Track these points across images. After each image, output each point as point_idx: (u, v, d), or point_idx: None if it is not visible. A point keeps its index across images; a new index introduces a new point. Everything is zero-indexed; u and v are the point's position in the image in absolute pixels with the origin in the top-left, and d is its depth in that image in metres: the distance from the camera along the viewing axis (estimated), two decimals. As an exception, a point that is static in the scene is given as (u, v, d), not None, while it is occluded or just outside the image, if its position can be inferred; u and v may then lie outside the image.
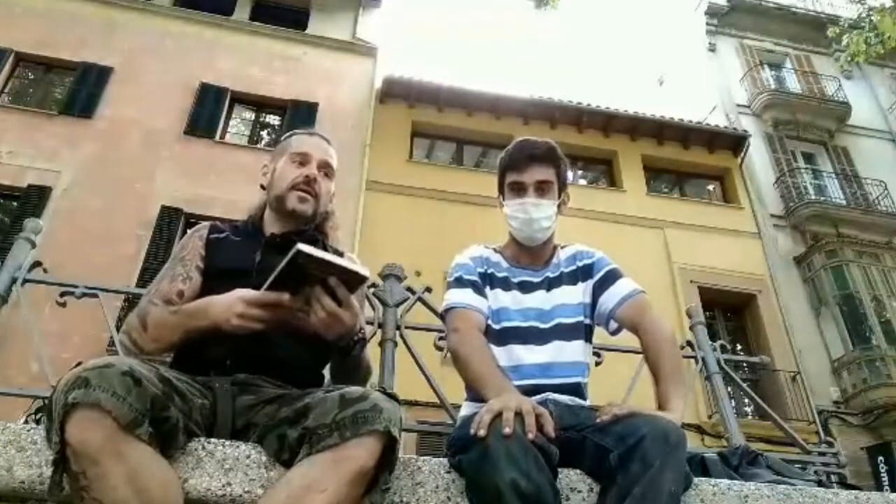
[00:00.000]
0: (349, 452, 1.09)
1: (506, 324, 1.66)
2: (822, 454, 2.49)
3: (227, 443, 1.24)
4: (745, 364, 5.32)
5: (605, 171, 13.86)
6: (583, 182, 13.66)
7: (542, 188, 1.73)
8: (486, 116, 13.23)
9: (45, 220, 8.16)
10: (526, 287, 1.72)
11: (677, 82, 16.99)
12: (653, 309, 1.70)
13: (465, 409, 1.64)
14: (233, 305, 1.32)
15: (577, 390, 1.61)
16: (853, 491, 1.50)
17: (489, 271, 1.74)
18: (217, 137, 11.49)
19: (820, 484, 1.93)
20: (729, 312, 12.28)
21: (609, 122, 13.60)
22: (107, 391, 1.03)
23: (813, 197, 13.43)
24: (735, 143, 13.86)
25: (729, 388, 3.66)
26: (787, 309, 11.77)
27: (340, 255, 1.68)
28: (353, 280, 1.34)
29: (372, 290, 2.23)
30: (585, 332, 1.71)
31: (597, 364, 2.12)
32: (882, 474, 10.01)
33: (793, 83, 15.63)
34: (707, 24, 16.03)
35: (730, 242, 12.40)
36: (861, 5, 9.97)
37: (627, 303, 1.69)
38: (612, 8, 39.61)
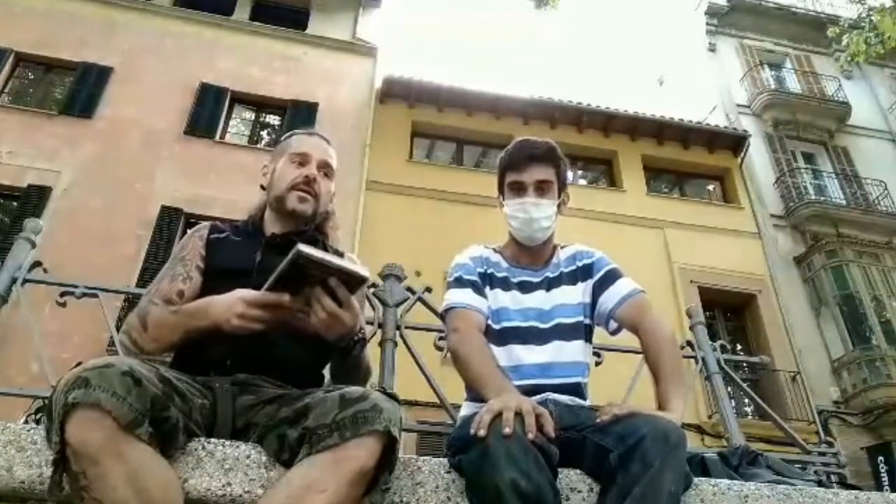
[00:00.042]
0: (349, 452, 1.09)
1: (505, 324, 1.66)
2: (822, 454, 2.49)
3: (227, 443, 1.24)
4: (745, 364, 5.32)
5: (605, 171, 13.86)
6: (583, 182, 13.66)
7: (541, 188, 1.73)
8: (486, 116, 13.23)
9: (45, 220, 8.16)
10: (525, 287, 1.72)
11: (677, 82, 16.99)
12: (653, 309, 1.70)
13: (465, 409, 1.64)
14: (233, 306, 1.32)
15: (577, 390, 1.61)
16: (853, 491, 1.50)
17: (489, 271, 1.74)
18: (217, 137, 11.49)
19: (820, 484, 1.93)
20: (729, 312, 12.28)
21: (609, 122, 13.60)
22: (107, 391, 1.03)
23: (813, 197, 13.44)
24: (735, 143, 13.86)
25: (729, 388, 3.66)
26: (787, 309, 11.77)
27: (341, 255, 1.68)
28: (353, 281, 1.34)
29: (372, 290, 2.23)
30: (585, 332, 1.71)
31: (597, 364, 2.12)
32: (882, 474, 10.01)
33: (793, 83, 15.63)
34: (707, 24, 16.03)
35: (730, 242, 12.40)
36: (861, 5, 9.97)
37: (627, 302, 1.69)
38: (612, 8, 39.63)
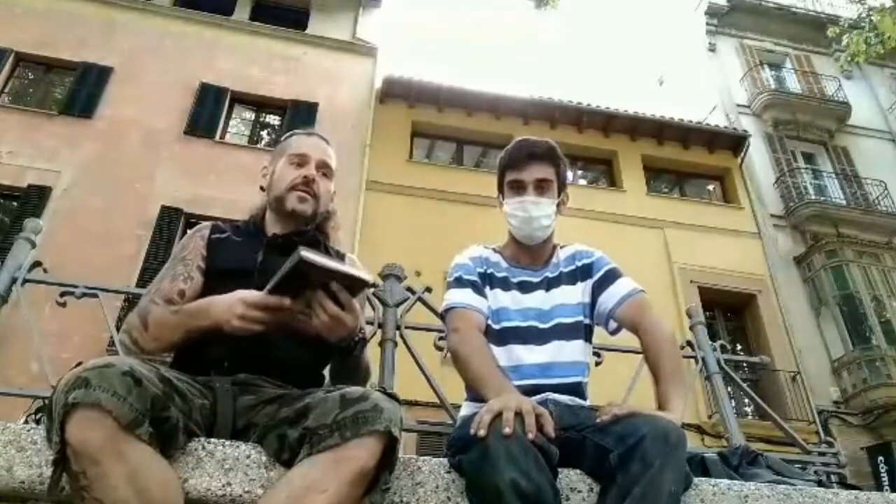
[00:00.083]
0: (350, 453, 1.09)
1: (505, 324, 1.66)
2: (822, 454, 2.49)
3: (227, 443, 1.24)
4: (745, 364, 5.32)
5: (605, 171, 13.86)
6: (583, 182, 13.66)
7: (541, 186, 1.73)
8: (486, 116, 13.23)
9: (45, 220, 8.16)
10: (525, 287, 1.72)
11: (677, 82, 17.00)
12: (652, 308, 1.70)
13: (465, 409, 1.64)
14: (233, 306, 1.32)
15: (576, 390, 1.61)
16: (853, 491, 1.50)
17: (489, 271, 1.74)
18: (217, 137, 11.49)
19: (820, 484, 1.93)
20: (729, 312, 12.28)
21: (609, 122, 13.60)
22: (107, 391, 1.03)
23: (813, 197, 13.44)
24: (735, 143, 13.86)
25: (729, 388, 3.66)
26: (787, 309, 11.77)
27: (342, 256, 1.69)
28: (355, 284, 1.34)
29: (372, 290, 2.23)
30: (585, 332, 1.70)
31: (597, 364, 2.12)
32: (882, 474, 10.01)
33: (793, 83, 15.63)
34: (707, 24, 16.03)
35: (730, 242, 12.40)
36: (861, 5, 9.97)
37: (627, 302, 1.69)
38: (612, 8, 39.63)
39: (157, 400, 1.10)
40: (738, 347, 11.58)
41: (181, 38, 12.37)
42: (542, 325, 1.65)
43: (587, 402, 1.61)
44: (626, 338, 1.81)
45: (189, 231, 1.69)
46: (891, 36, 8.87)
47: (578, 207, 10.84)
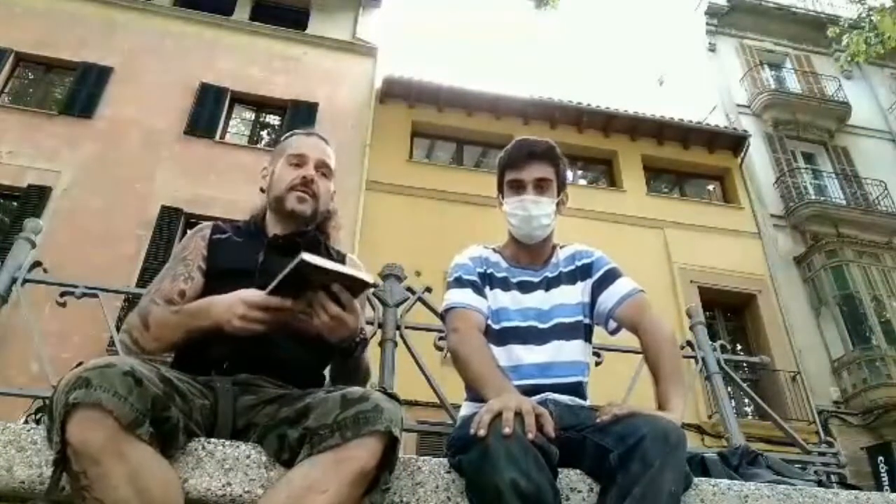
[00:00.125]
0: (350, 453, 1.09)
1: (505, 324, 1.66)
2: (822, 454, 2.49)
3: (227, 443, 1.24)
4: (745, 364, 5.32)
5: (605, 171, 13.86)
6: (583, 182, 13.66)
7: (541, 186, 1.73)
8: (486, 116, 13.23)
9: (45, 220, 8.16)
10: (525, 287, 1.72)
11: (677, 82, 17.00)
12: (652, 308, 1.70)
13: (465, 409, 1.64)
14: (234, 306, 1.32)
15: (576, 390, 1.61)
16: (853, 491, 1.50)
17: (488, 271, 1.74)
18: (217, 137, 11.49)
19: (820, 484, 1.93)
20: (729, 312, 12.28)
21: (609, 122, 13.60)
22: (108, 391, 1.03)
23: (813, 197, 13.44)
24: (735, 143, 13.86)
25: (729, 388, 3.66)
26: (787, 309, 11.77)
27: (342, 256, 1.69)
28: (356, 285, 1.34)
29: (372, 290, 2.23)
30: (585, 332, 1.71)
31: (597, 364, 2.12)
32: (882, 474, 10.01)
33: (793, 83, 15.63)
34: (707, 24, 16.03)
35: (730, 242, 12.40)
36: (861, 5, 9.97)
37: (627, 302, 1.69)
38: (612, 8, 39.63)
39: (157, 400, 1.10)
40: (738, 347, 11.58)
41: (181, 38, 12.37)
42: (541, 325, 1.66)
43: (587, 402, 1.61)
44: (626, 338, 1.81)
45: (190, 231, 1.69)
46: (891, 36, 8.87)
47: (578, 207, 10.84)
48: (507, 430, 1.14)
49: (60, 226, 9.34)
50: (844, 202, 13.57)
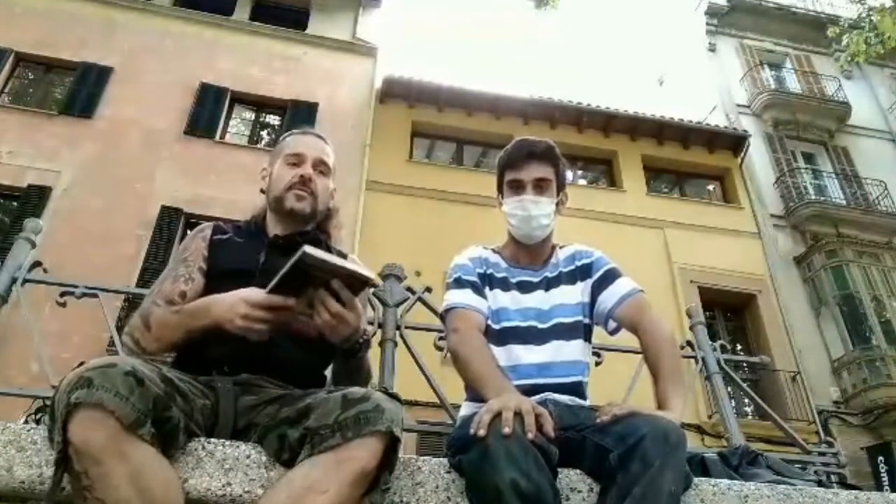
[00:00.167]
0: (351, 453, 1.09)
1: (505, 324, 1.66)
2: (822, 454, 2.49)
3: (227, 443, 1.24)
4: (745, 364, 5.32)
5: (605, 171, 13.87)
6: (583, 182, 13.66)
7: (540, 186, 1.73)
8: (486, 116, 13.23)
9: (45, 220, 8.17)
10: (525, 287, 1.72)
11: (677, 82, 17.00)
12: (652, 308, 1.70)
13: (465, 409, 1.64)
14: (236, 306, 1.32)
15: (576, 390, 1.61)
16: (853, 491, 1.50)
17: (488, 272, 1.74)
18: (217, 137, 11.49)
19: (820, 484, 1.93)
20: (729, 312, 12.28)
21: (609, 122, 13.60)
22: (110, 391, 1.03)
23: (813, 197, 13.44)
24: (735, 143, 13.86)
25: (729, 388, 3.66)
26: (787, 309, 11.77)
27: (344, 256, 1.69)
28: (357, 282, 1.34)
29: (372, 290, 2.23)
30: (584, 332, 1.71)
31: (597, 364, 2.12)
32: (882, 474, 10.01)
33: (793, 83, 15.63)
34: (707, 24, 16.03)
35: (730, 242, 12.40)
36: (861, 5, 9.97)
37: (626, 302, 1.69)
38: (612, 8, 39.63)
39: (159, 400, 1.11)
40: (738, 347, 11.58)
41: (181, 38, 12.37)
42: (541, 325, 1.66)
43: (587, 402, 1.61)
44: (626, 338, 1.81)
45: (190, 232, 1.69)
46: (891, 36, 8.87)
47: (578, 207, 10.84)
48: (506, 430, 1.14)
49: (60, 226, 9.34)
50: (844, 202, 13.57)
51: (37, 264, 2.29)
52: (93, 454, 1.01)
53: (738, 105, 14.78)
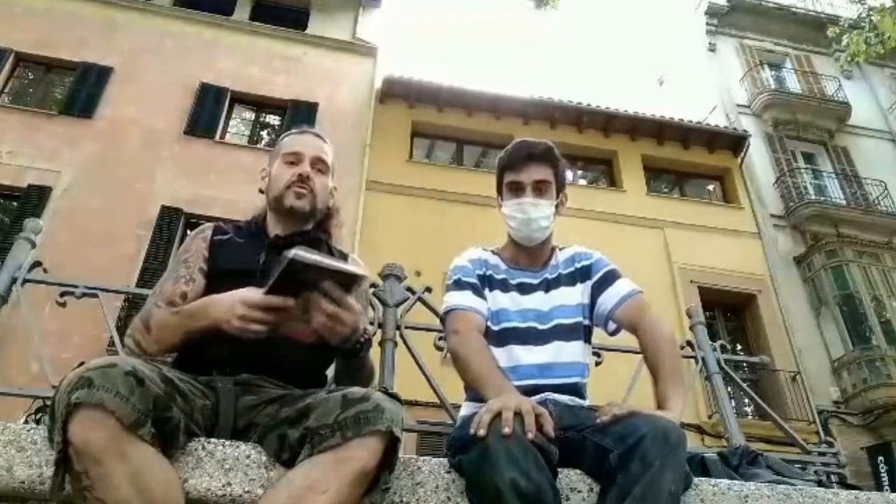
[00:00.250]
0: (351, 453, 1.09)
1: (505, 325, 1.66)
2: (822, 454, 2.49)
3: (227, 443, 1.24)
4: (745, 364, 5.32)
5: (605, 171, 13.87)
6: (583, 182, 13.66)
7: (539, 188, 1.73)
8: (486, 116, 13.23)
9: (45, 220, 8.16)
10: (524, 288, 1.72)
11: (677, 82, 17.00)
12: (651, 309, 1.70)
13: (465, 409, 1.65)
14: (234, 307, 1.32)
15: (576, 390, 1.61)
16: (853, 491, 1.50)
17: (488, 273, 1.74)
18: (217, 137, 11.49)
19: (820, 484, 1.93)
20: (729, 312, 12.28)
21: (609, 122, 13.60)
22: (110, 391, 1.03)
23: (813, 197, 13.44)
24: (735, 143, 13.86)
25: (729, 388, 3.66)
26: (787, 309, 11.77)
27: (344, 256, 1.69)
28: (349, 280, 1.34)
29: (372, 290, 2.23)
30: (584, 333, 1.71)
31: (597, 364, 2.12)
32: (882, 474, 10.01)
33: (793, 83, 15.63)
34: (707, 24, 16.03)
35: (730, 242, 12.40)
36: (861, 5, 9.97)
37: (626, 303, 1.69)
38: (612, 8, 39.63)
39: (159, 400, 1.11)
40: (738, 347, 11.58)
41: (181, 38, 12.37)
42: (541, 326, 1.66)
43: (587, 402, 1.61)
44: (626, 338, 1.81)
45: (191, 232, 1.69)
46: (891, 36, 8.87)
47: (578, 207, 10.84)
48: (506, 430, 1.14)
49: (60, 226, 9.34)
50: (844, 202, 13.57)
51: (37, 264, 2.29)
52: (93, 454, 1.01)
53: (738, 105, 14.78)
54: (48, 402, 1.12)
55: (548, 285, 1.73)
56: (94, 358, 1.13)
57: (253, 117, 12.52)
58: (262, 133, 12.52)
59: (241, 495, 1.18)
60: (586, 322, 1.72)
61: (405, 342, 2.24)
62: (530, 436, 1.16)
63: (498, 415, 1.18)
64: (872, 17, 9.37)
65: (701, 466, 1.61)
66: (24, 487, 1.16)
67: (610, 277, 1.74)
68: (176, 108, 11.43)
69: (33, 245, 2.33)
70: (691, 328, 2.75)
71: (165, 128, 11.18)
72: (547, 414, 1.23)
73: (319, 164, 1.70)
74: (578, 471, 1.32)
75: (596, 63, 47.74)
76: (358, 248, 9.74)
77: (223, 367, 1.37)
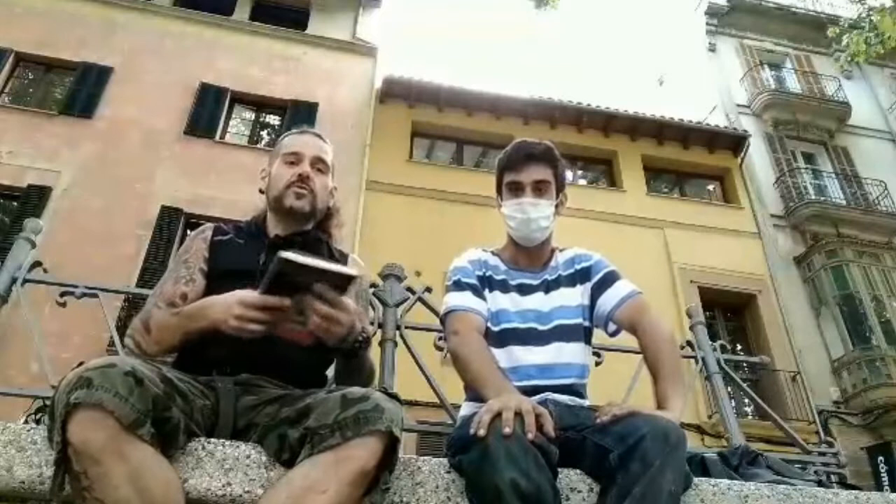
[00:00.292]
0: (351, 452, 1.09)
1: (505, 325, 1.66)
2: (822, 454, 2.49)
3: (227, 443, 1.24)
4: (745, 364, 5.31)
5: (605, 171, 13.86)
6: (583, 182, 13.66)
7: (539, 188, 1.73)
8: (486, 116, 13.23)
9: (45, 220, 8.16)
10: (524, 289, 1.72)
11: (677, 82, 16.99)
12: (651, 309, 1.70)
13: (465, 409, 1.65)
14: (231, 307, 1.32)
15: (576, 391, 1.61)
16: (853, 491, 1.50)
17: (487, 274, 1.74)
18: (217, 137, 11.49)
19: (820, 484, 1.93)
20: (729, 312, 12.28)
21: (609, 122, 13.60)
22: (109, 391, 1.03)
23: (813, 197, 13.43)
24: (735, 143, 13.86)
25: (729, 388, 3.66)
26: (787, 309, 11.77)
27: (345, 257, 1.69)
28: (342, 280, 1.34)
29: (372, 290, 2.23)
30: (585, 335, 1.71)
31: (597, 364, 2.12)
32: (882, 474, 10.01)
33: (793, 83, 15.63)
34: (707, 24, 16.03)
35: (730, 242, 12.40)
36: (861, 5, 9.96)
37: (626, 304, 1.69)
38: (612, 8, 39.63)
39: (158, 400, 1.11)
40: (738, 347, 11.58)
41: (181, 38, 12.37)
42: (541, 327, 1.66)
43: (587, 403, 1.61)
44: (626, 338, 1.81)
45: (191, 233, 1.69)
46: (891, 36, 8.86)
47: (578, 207, 10.83)
48: (507, 430, 1.14)
49: (60, 226, 9.34)
50: (844, 202, 13.57)
51: (37, 264, 2.29)
52: (92, 454, 1.01)
53: (738, 105, 14.78)
54: (48, 402, 1.12)
55: (547, 286, 1.73)
56: (94, 358, 1.13)
57: (253, 117, 12.52)
58: (262, 133, 12.52)
59: (241, 495, 1.18)
60: (586, 323, 1.72)
61: (405, 342, 2.24)
62: (530, 436, 1.16)
63: (498, 415, 1.18)
64: (872, 17, 9.36)
65: (701, 466, 1.61)
66: (24, 487, 1.16)
67: (610, 279, 1.74)
68: (176, 108, 11.43)
69: (33, 245, 2.33)
70: (691, 328, 2.74)
71: (165, 128, 11.18)
72: (547, 414, 1.23)
73: (319, 164, 1.70)
74: (578, 471, 1.32)
75: (596, 63, 47.75)
76: (358, 248, 9.74)
77: (223, 368, 1.37)
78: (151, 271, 9.34)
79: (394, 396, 1.22)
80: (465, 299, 1.66)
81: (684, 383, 1.59)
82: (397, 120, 12.76)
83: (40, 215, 9.17)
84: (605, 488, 1.24)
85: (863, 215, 13.13)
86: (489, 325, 1.66)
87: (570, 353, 1.64)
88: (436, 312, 2.07)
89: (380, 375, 2.07)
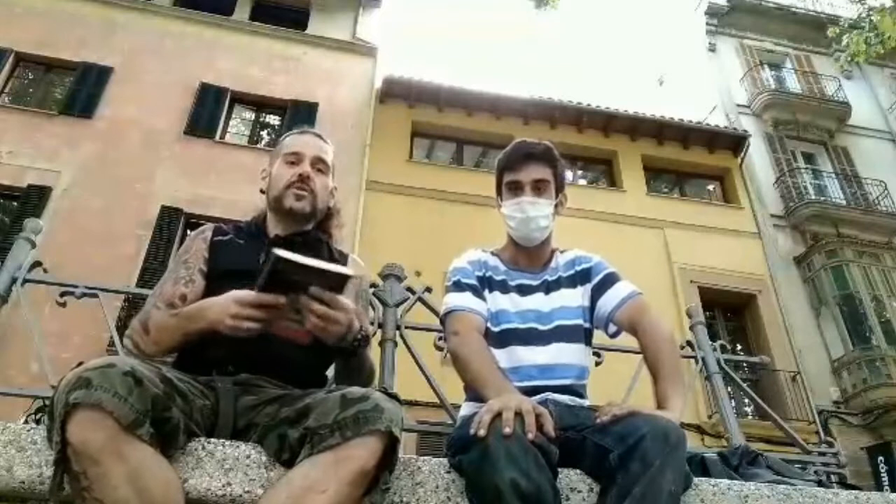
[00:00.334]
0: (350, 452, 1.09)
1: (505, 326, 1.66)
2: (822, 454, 2.49)
3: (227, 443, 1.24)
4: (745, 364, 5.31)
5: (605, 171, 13.86)
6: (583, 182, 13.65)
7: (538, 187, 1.74)
8: (486, 116, 13.23)
9: (45, 220, 8.16)
10: (524, 290, 1.72)
11: (677, 82, 16.99)
12: (651, 310, 1.70)
13: (465, 409, 1.65)
14: (227, 307, 1.32)
15: (576, 391, 1.61)
16: (853, 491, 1.50)
17: (487, 274, 1.74)
18: (217, 137, 11.49)
19: (820, 484, 1.93)
20: (729, 312, 12.28)
21: (609, 122, 13.59)
22: (108, 391, 1.03)
23: (813, 197, 13.43)
24: (735, 143, 13.86)
25: (729, 388, 3.65)
26: (787, 309, 11.77)
27: (345, 257, 1.69)
28: (339, 281, 1.34)
29: (372, 290, 2.23)
30: (585, 336, 1.71)
31: (597, 364, 2.12)
32: (882, 474, 10.01)
33: (793, 83, 15.63)
34: (707, 24, 16.03)
35: (730, 242, 12.40)
36: (861, 5, 9.96)
37: (626, 305, 1.69)
38: (612, 8, 39.63)
39: (158, 400, 1.11)
40: (738, 347, 11.58)
41: (181, 38, 12.37)
42: (541, 328, 1.66)
43: (587, 403, 1.61)
44: (626, 338, 1.81)
45: (191, 233, 1.69)
46: (891, 36, 8.86)
47: (578, 207, 10.83)
48: (507, 430, 1.14)
49: (60, 226, 9.34)
50: (844, 202, 13.57)
51: (37, 264, 2.29)
52: (91, 454, 1.01)
53: (738, 105, 14.78)
54: (48, 402, 1.12)
55: (548, 287, 1.73)
56: (94, 358, 1.13)
57: (253, 117, 12.52)
58: (262, 133, 12.52)
59: (241, 495, 1.18)
60: (587, 325, 1.72)
61: (405, 342, 2.24)
62: (530, 436, 1.16)
63: (498, 415, 1.18)
64: (872, 17, 9.36)
65: (701, 466, 1.61)
66: (24, 487, 1.16)
67: (610, 280, 1.74)
68: (176, 108, 11.43)
69: (33, 245, 2.33)
70: (691, 328, 2.74)
71: (165, 128, 11.18)
72: (547, 414, 1.23)
73: (320, 164, 1.70)
74: (578, 471, 1.32)
75: (596, 63, 47.75)
76: (358, 248, 9.74)
77: (223, 368, 1.37)
78: (151, 271, 9.34)
79: (394, 396, 1.22)
80: (464, 300, 1.66)
81: (684, 383, 1.59)
82: (397, 120, 12.76)
83: (40, 215, 9.17)
84: (605, 488, 1.24)
85: (863, 215, 13.13)
86: (489, 325, 1.66)
87: (570, 353, 1.64)
88: (436, 312, 2.07)
89: (380, 375, 2.06)
